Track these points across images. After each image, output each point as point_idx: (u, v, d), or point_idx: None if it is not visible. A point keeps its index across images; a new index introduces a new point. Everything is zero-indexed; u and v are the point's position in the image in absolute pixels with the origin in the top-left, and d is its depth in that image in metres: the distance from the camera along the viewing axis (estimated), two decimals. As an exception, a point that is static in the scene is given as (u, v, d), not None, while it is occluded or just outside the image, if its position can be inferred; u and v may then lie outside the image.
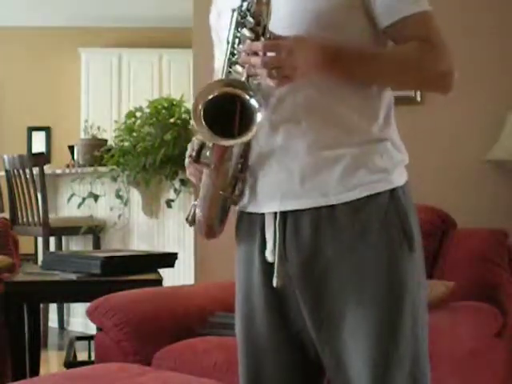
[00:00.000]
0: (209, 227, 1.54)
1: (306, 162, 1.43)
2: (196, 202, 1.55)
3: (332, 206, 1.42)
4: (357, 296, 1.41)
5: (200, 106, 1.34)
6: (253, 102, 1.34)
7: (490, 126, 3.77)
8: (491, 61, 3.80)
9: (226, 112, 1.36)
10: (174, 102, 4.59)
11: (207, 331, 2.67)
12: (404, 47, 1.44)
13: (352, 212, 1.42)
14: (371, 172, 1.43)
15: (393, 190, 1.45)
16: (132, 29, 8.77)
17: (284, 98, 1.43)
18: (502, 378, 2.85)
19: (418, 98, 3.77)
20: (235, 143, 1.38)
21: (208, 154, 1.43)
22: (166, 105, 4.56)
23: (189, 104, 4.54)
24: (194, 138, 1.49)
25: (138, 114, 4.65)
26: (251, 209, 1.51)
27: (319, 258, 1.43)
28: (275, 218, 1.46)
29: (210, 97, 1.35)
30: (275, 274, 1.46)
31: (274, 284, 1.46)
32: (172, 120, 4.44)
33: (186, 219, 1.56)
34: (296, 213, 1.45)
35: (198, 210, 1.54)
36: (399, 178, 1.47)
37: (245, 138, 1.35)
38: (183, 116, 4.47)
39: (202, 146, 1.43)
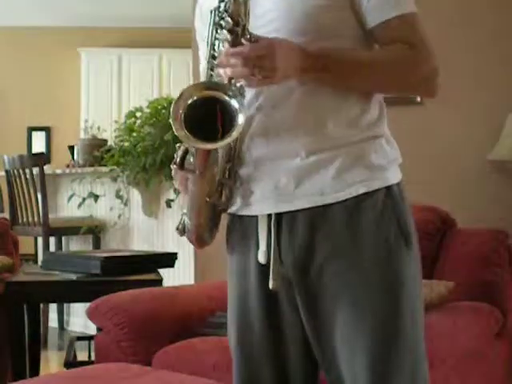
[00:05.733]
0: (199, 236, 1.52)
1: (301, 164, 1.41)
2: (184, 211, 1.52)
3: (328, 205, 1.41)
4: (354, 296, 1.39)
5: (180, 111, 1.32)
6: (233, 103, 1.31)
7: (491, 126, 3.77)
8: (491, 61, 3.80)
9: (208, 115, 1.33)
10: (174, 102, 4.58)
11: (207, 331, 2.67)
12: (386, 51, 1.43)
13: (348, 210, 1.41)
14: (367, 169, 1.42)
15: (388, 188, 1.44)
16: (132, 29, 8.77)
17: (277, 102, 1.41)
18: (502, 378, 2.85)
19: (418, 98, 3.77)
20: (217, 146, 1.35)
21: (192, 160, 1.41)
22: (165, 105, 4.56)
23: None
24: (177, 146, 1.47)
25: (138, 114, 4.66)
26: (243, 212, 1.48)
27: (315, 257, 1.42)
28: (269, 219, 1.45)
29: (190, 101, 1.32)
30: (271, 276, 1.44)
31: (270, 286, 1.44)
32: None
33: (177, 228, 1.54)
34: (291, 213, 1.43)
35: (186, 219, 1.51)
36: (394, 176, 1.46)
37: (227, 141, 1.33)
38: (183, 116, 4.46)
39: (185, 153, 1.41)
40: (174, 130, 1.32)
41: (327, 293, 1.41)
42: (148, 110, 4.59)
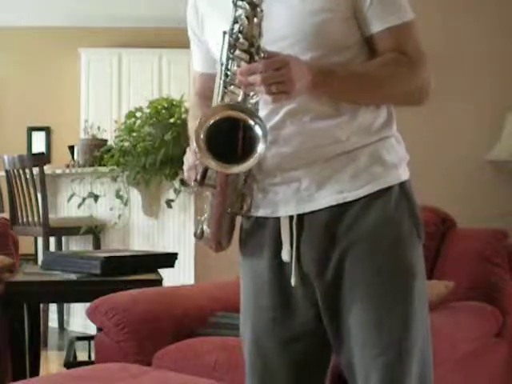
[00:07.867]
0: (218, 243, 1.55)
1: (321, 169, 1.47)
2: (202, 219, 1.54)
3: (346, 203, 1.47)
4: (370, 287, 1.46)
5: (202, 133, 1.32)
6: (257, 129, 1.32)
7: (490, 126, 3.78)
8: (491, 61, 3.80)
9: (229, 134, 1.35)
10: (174, 102, 4.58)
11: (207, 331, 2.68)
12: (385, 66, 1.47)
13: (365, 206, 1.47)
14: (381, 167, 1.49)
15: (401, 184, 1.51)
16: (132, 29, 8.77)
17: (292, 113, 1.46)
18: (502, 378, 2.86)
19: (418, 98, 3.77)
20: (237, 171, 1.37)
21: (212, 175, 1.42)
22: (165, 105, 4.56)
23: (189, 104, 4.53)
24: (188, 149, 1.49)
25: (138, 114, 4.65)
26: (263, 213, 1.53)
27: (334, 253, 1.48)
28: (291, 220, 1.50)
29: (214, 119, 1.33)
30: (293, 273, 1.50)
31: (293, 283, 1.50)
32: (172, 120, 4.44)
33: (195, 234, 1.57)
34: (312, 214, 1.49)
35: (205, 227, 1.54)
36: (405, 173, 1.54)
37: (243, 167, 1.35)
38: (183, 116, 4.46)
39: (206, 169, 1.41)
40: (196, 151, 1.33)
41: (345, 286, 1.48)
42: (148, 110, 4.59)
